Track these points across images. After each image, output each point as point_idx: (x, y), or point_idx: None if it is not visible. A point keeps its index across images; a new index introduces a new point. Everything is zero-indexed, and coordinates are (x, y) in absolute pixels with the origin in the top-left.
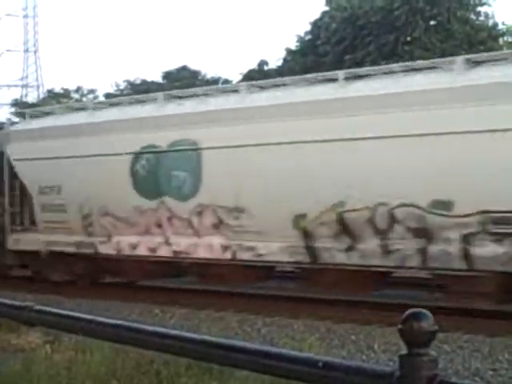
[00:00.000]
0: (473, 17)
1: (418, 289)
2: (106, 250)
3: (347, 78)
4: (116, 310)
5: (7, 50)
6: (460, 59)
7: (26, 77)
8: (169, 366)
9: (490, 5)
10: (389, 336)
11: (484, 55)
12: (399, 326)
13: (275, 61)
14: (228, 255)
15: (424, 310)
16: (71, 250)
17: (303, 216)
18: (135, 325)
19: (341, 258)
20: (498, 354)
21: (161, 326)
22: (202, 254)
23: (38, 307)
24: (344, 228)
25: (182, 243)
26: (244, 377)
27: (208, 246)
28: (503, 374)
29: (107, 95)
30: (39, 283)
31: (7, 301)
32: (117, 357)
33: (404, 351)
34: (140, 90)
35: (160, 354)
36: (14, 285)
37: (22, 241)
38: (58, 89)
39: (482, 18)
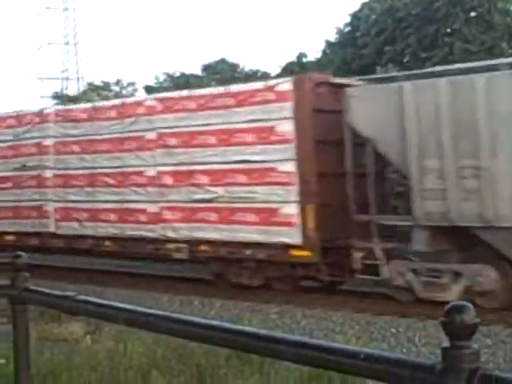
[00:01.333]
0: None
1: None
2: None
3: None
4: (155, 301)
5: (48, 44)
6: None
7: (67, 70)
8: (209, 357)
9: None
10: (429, 329)
11: None
12: (441, 319)
13: (314, 53)
14: None
15: (466, 303)
16: None
17: None
18: (176, 315)
19: None
20: None
21: (201, 317)
22: None
23: (80, 297)
24: None
25: None
26: (284, 368)
27: None
28: None
29: (147, 88)
30: None
31: (49, 290)
32: (157, 347)
33: (445, 344)
34: (179, 83)
35: (200, 345)
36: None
37: None
38: (97, 81)
39: None
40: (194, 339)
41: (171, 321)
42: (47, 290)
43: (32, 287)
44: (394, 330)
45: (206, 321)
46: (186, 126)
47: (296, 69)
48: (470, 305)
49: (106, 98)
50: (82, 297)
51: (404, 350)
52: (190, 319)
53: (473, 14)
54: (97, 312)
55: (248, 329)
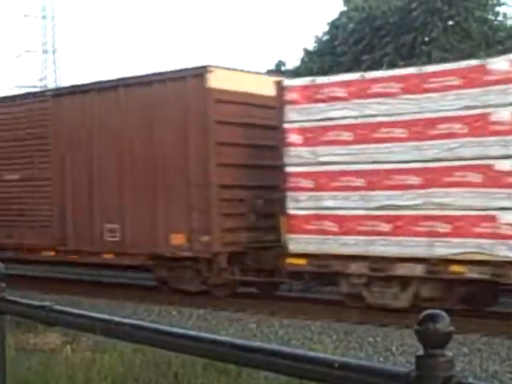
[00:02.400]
0: (491, 17)
1: None
2: None
3: None
4: (133, 311)
5: (26, 51)
6: None
7: (45, 77)
8: (186, 367)
9: (508, 5)
10: (406, 338)
11: None
12: (415, 327)
13: (293, 61)
14: None
15: (440, 311)
16: None
17: None
18: (153, 325)
19: None
20: None
21: (179, 327)
22: None
23: (57, 307)
24: None
25: None
26: (261, 377)
27: None
28: None
29: None
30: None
31: (26, 300)
32: (135, 358)
33: (419, 353)
34: None
35: (178, 355)
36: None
37: None
38: None
39: (500, 18)
40: (170, 349)
41: (148, 331)
42: (24, 300)
43: (9, 297)
44: (371, 339)
45: (182, 330)
46: None
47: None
48: (444, 313)
49: None
50: (59, 307)
51: (381, 359)
52: (166, 329)
53: (450, 22)
54: (74, 322)
55: (224, 338)
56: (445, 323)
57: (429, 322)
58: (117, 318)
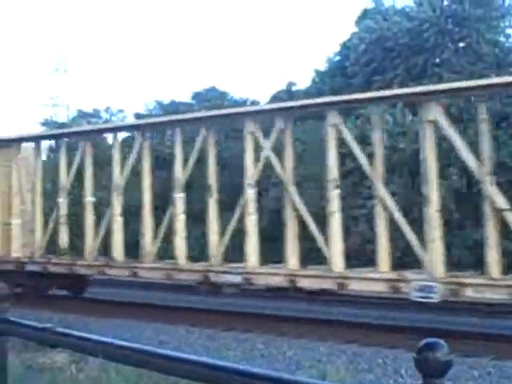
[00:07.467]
0: (502, 39)
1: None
2: None
3: None
4: (141, 330)
5: (36, 70)
6: None
7: (56, 96)
8: None
9: None
10: None
11: None
12: (414, 356)
13: (304, 82)
14: None
15: (439, 340)
16: None
17: None
18: (156, 350)
19: None
20: None
21: (181, 351)
22: None
23: (59, 329)
24: None
25: None
26: None
27: None
28: None
29: (137, 115)
30: None
31: (29, 322)
32: (140, 379)
33: (418, 382)
34: (169, 110)
35: None
36: None
37: None
38: (87, 108)
39: (511, 40)
40: (172, 374)
41: (151, 355)
42: (27, 322)
43: (12, 318)
44: (380, 361)
45: (184, 355)
46: None
47: (285, 97)
48: (442, 342)
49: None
50: (61, 329)
51: (391, 382)
52: (167, 353)
53: (462, 44)
54: (76, 344)
55: (228, 364)
56: (444, 352)
57: (428, 351)
58: (119, 342)
